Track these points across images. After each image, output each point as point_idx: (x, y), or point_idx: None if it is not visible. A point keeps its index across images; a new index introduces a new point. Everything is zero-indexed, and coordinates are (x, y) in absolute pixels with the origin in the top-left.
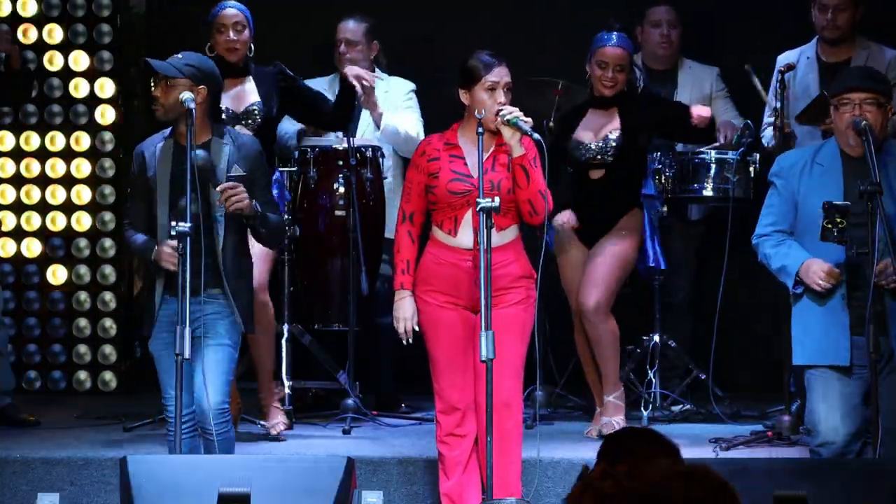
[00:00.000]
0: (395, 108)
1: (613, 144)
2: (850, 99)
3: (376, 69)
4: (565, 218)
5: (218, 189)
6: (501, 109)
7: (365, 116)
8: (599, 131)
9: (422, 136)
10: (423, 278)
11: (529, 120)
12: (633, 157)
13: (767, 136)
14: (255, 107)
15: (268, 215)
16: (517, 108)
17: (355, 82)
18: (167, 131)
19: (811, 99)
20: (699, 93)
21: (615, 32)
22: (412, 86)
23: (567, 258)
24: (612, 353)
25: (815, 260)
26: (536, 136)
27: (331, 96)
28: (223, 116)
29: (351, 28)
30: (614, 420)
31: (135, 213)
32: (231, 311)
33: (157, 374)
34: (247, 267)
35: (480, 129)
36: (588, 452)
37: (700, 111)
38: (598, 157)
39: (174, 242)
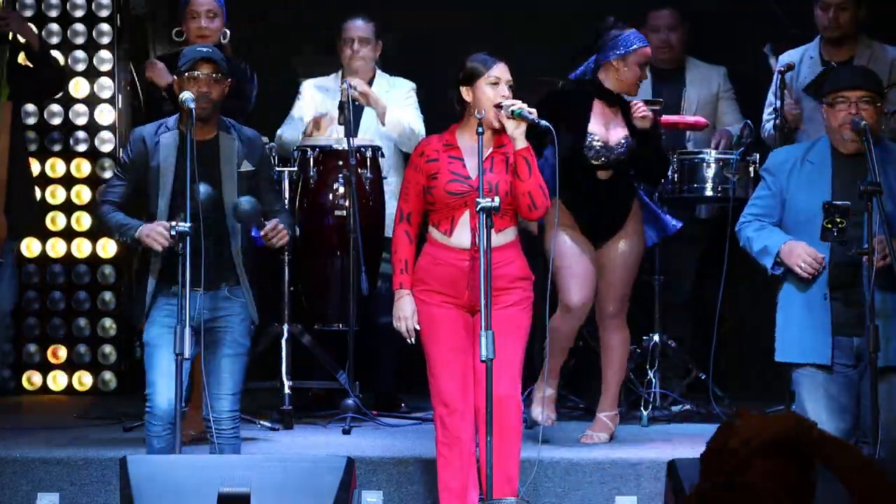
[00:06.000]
0: (397, 106)
1: (624, 147)
2: (847, 97)
3: (377, 70)
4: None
5: (262, 233)
6: (505, 102)
7: (366, 117)
8: (609, 132)
9: (423, 133)
10: (420, 278)
11: (534, 110)
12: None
13: (767, 129)
14: None
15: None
16: (520, 101)
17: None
18: (170, 121)
19: (812, 98)
20: (707, 92)
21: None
22: (413, 85)
23: (573, 259)
24: (622, 364)
25: (800, 243)
26: (544, 123)
27: (333, 96)
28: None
29: (361, 27)
30: (598, 435)
31: (118, 193)
32: (247, 310)
33: (145, 362)
34: (256, 260)
35: (480, 129)
36: (588, 453)
37: (640, 109)
38: (611, 157)
39: (168, 223)
